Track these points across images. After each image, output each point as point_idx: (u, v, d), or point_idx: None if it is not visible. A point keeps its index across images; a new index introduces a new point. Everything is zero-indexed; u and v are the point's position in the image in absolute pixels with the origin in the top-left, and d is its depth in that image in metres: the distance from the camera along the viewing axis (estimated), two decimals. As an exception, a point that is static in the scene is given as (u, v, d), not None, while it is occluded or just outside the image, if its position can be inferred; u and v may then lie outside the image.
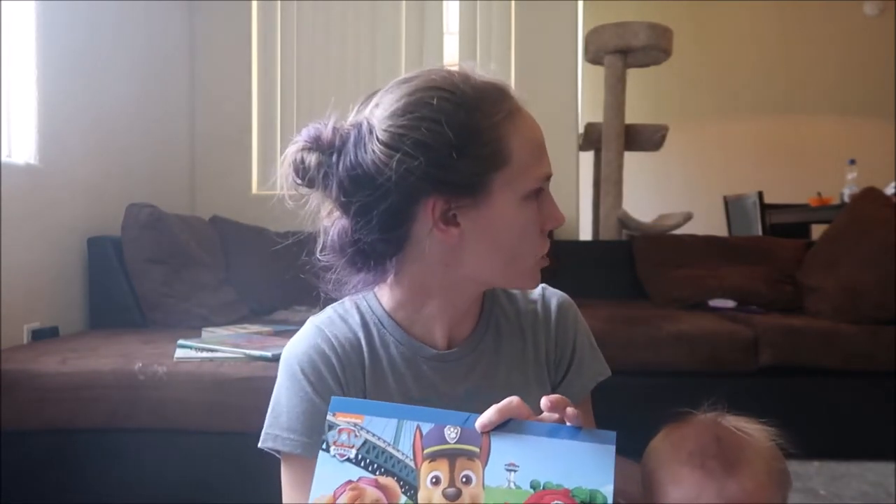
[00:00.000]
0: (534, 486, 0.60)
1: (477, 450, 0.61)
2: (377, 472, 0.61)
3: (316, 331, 0.77)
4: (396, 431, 0.62)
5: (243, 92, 3.39)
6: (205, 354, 1.81)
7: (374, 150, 0.69)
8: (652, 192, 4.97)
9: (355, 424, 0.63)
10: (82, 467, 1.72)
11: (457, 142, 0.68)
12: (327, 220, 0.76)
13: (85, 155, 2.48)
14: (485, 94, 0.71)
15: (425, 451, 0.62)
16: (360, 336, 0.77)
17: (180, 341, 1.89)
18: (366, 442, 0.62)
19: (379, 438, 0.62)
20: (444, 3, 3.47)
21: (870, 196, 2.70)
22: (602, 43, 3.40)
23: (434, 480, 0.60)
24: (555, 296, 0.87)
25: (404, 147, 0.68)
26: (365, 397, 0.76)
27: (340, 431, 0.62)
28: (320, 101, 3.40)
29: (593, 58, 3.55)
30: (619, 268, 3.10)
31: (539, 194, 0.73)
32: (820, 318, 2.45)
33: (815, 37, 5.41)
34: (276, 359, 1.74)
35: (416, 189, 0.69)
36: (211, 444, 1.72)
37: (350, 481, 0.61)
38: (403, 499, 0.60)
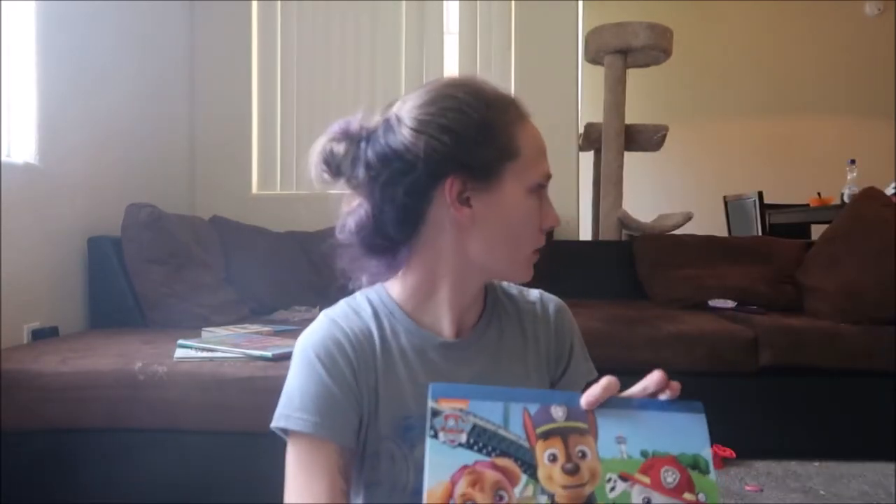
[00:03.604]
0: (644, 454, 0.63)
1: (586, 426, 0.64)
2: (492, 455, 0.62)
3: (330, 322, 0.81)
4: (504, 413, 0.63)
5: (243, 92, 3.39)
6: (205, 354, 1.81)
7: (403, 134, 0.76)
8: (652, 192, 4.96)
9: (461, 409, 0.63)
10: (82, 467, 1.72)
11: (477, 130, 0.76)
12: (346, 207, 0.82)
13: (85, 155, 2.48)
14: (499, 97, 0.81)
15: (538, 431, 0.63)
16: (371, 327, 0.81)
17: (180, 341, 1.89)
18: (475, 426, 0.62)
19: (487, 421, 0.63)
20: (444, 3, 3.47)
21: (870, 196, 2.70)
22: (602, 43, 3.41)
23: (551, 458, 0.62)
24: (552, 300, 0.93)
25: (430, 130, 0.76)
26: (376, 384, 0.79)
27: (447, 418, 0.62)
28: (320, 100, 3.41)
29: (593, 58, 3.55)
30: (619, 268, 3.10)
31: (540, 192, 0.81)
32: (820, 318, 2.45)
33: (816, 37, 5.41)
34: (276, 359, 1.76)
35: (439, 167, 0.76)
36: (211, 444, 1.72)
37: (466, 466, 0.61)
38: (524, 478, 0.61)
